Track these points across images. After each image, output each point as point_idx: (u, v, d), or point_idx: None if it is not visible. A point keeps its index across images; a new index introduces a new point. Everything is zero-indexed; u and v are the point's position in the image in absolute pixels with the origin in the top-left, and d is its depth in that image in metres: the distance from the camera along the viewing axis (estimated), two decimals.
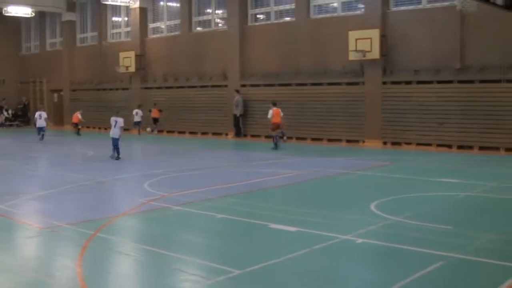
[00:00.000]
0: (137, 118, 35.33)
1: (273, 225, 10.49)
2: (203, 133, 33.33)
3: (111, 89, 39.47)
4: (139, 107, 35.86)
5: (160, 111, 35.44)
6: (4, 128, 43.50)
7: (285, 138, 25.70)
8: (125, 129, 31.88)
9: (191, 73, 34.33)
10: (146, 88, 37.03)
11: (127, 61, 36.82)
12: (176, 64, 35.19)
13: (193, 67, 34.18)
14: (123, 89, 38.48)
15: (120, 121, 21.32)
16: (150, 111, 35.63)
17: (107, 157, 21.87)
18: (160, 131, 35.60)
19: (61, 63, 43.48)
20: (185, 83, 34.54)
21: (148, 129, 35.94)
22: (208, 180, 16.45)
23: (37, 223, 11.27)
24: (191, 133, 34.05)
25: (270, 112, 24.85)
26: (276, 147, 24.81)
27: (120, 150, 21.59)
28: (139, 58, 36.72)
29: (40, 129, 30.53)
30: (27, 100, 46.39)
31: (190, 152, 24.97)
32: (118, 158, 21.33)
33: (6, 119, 44.92)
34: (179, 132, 34.74)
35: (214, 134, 32.88)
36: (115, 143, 21.28)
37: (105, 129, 38.31)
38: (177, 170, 18.62)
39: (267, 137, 28.00)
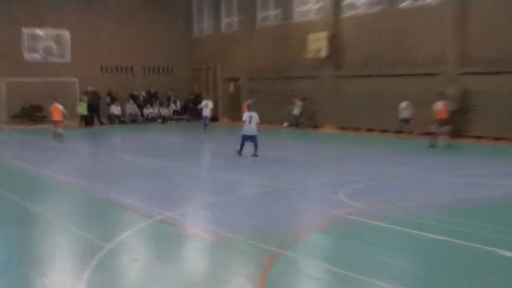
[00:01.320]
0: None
1: (503, 252, 10.00)
2: (410, 132, 32.49)
3: (297, 78, 40.06)
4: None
5: (303, 100, 37.77)
6: (171, 122, 45.71)
7: (448, 137, 26.52)
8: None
9: (395, 58, 33.81)
10: (339, 76, 37.16)
11: (317, 44, 37.15)
12: (377, 47, 34.78)
13: (399, 51, 33.59)
14: (311, 77, 38.85)
15: (256, 116, 23.29)
16: (291, 104, 37.98)
17: (291, 159, 22.30)
18: (357, 129, 35.49)
19: (238, 47, 44.85)
20: (388, 71, 34.11)
21: (285, 124, 38.34)
22: (415, 191, 16.21)
23: (209, 234, 11.68)
24: (387, 132, 33.40)
25: (438, 105, 26.37)
26: (433, 145, 26.15)
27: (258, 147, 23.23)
28: (332, 40, 36.87)
29: (205, 119, 35.27)
30: (198, 90, 48.35)
31: (387, 155, 24.99)
32: (256, 155, 23.04)
33: (174, 112, 47.19)
34: (382, 131, 34.24)
35: (425, 134, 31.86)
36: (254, 140, 23.15)
37: (290, 125, 39.09)
38: (374, 176, 18.57)
39: (428, 134, 27.98)
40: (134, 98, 46.01)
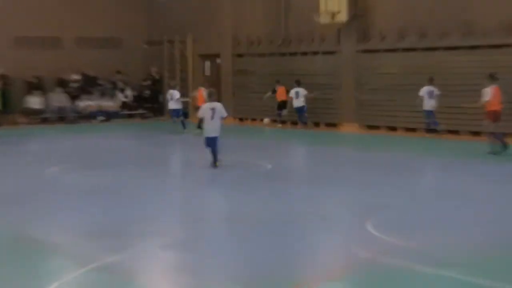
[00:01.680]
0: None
1: None
2: (472, 133, 32.49)
3: (304, 54, 40.18)
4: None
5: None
6: (121, 118, 45.45)
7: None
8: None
9: (447, 25, 33.87)
10: (366, 51, 37.16)
11: (333, 4, 37.11)
12: (420, 9, 34.90)
13: (452, 16, 33.71)
14: (326, 53, 38.92)
15: (220, 108, 23.70)
16: (274, 91, 39.01)
17: (296, 173, 22.35)
18: (391, 129, 35.49)
19: (219, 10, 45.08)
20: (437, 43, 34.19)
21: (266, 120, 39.76)
22: (471, 219, 16.27)
23: (175, 287, 11.52)
24: (433, 132, 33.46)
25: (487, 92, 26.23)
26: (496, 151, 26.39)
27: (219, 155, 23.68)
28: None
29: (174, 114, 36.95)
30: (158, 73, 48.45)
31: (433, 166, 25.60)
32: (215, 165, 23.57)
33: (124, 104, 46.93)
34: (426, 131, 34.28)
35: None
36: (213, 144, 23.46)
37: (293, 123, 39.21)
38: (414, 198, 18.86)
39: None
40: (63, 85, 45.86)
